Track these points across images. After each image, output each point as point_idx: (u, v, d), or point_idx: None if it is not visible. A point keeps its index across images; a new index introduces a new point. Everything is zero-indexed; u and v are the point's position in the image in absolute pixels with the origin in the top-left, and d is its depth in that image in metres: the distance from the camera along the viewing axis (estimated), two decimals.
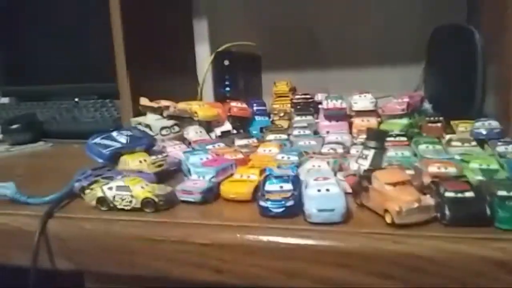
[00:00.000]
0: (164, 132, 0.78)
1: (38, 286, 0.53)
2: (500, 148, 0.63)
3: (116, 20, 0.88)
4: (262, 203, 0.51)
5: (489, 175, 0.54)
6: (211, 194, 0.57)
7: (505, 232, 0.44)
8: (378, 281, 0.44)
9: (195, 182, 0.58)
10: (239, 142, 0.76)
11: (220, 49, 1.01)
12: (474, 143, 0.67)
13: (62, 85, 1.23)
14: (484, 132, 0.69)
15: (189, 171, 0.63)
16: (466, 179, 0.53)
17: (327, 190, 0.51)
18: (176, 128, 0.79)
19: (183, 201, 0.56)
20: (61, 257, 0.54)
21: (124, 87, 0.90)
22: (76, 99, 1.16)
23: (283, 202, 0.50)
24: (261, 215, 0.51)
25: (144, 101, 0.83)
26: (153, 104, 0.81)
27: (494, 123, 0.71)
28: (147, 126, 0.78)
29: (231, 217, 0.53)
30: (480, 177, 0.54)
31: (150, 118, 0.80)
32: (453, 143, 0.67)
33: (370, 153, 0.55)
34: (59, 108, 1.14)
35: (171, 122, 0.79)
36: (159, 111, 0.81)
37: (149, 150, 0.69)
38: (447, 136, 0.70)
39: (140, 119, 0.81)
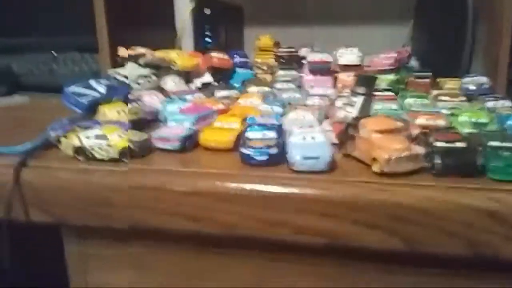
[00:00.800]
0: (140, 80, 0.73)
1: (12, 238, 0.49)
2: (490, 104, 0.62)
3: None
4: (244, 150, 0.48)
5: (479, 128, 0.53)
6: (190, 142, 0.53)
7: (497, 182, 0.42)
8: (364, 230, 0.42)
9: (173, 129, 0.54)
10: (219, 93, 0.73)
11: None
12: (463, 98, 0.65)
13: (39, 38, 1.17)
14: (473, 88, 0.68)
15: (166, 120, 0.60)
16: (456, 130, 0.51)
17: (312, 138, 0.48)
18: (153, 77, 0.75)
19: (161, 149, 0.53)
20: (36, 209, 0.51)
21: (103, 39, 0.85)
22: (54, 52, 1.10)
23: (266, 150, 0.48)
24: (242, 163, 0.49)
25: (122, 51, 0.78)
26: (130, 52, 0.77)
27: (483, 79, 0.69)
28: (125, 76, 0.74)
29: (211, 165, 0.50)
30: (470, 130, 0.52)
31: (127, 68, 0.76)
32: (441, 98, 0.65)
33: (359, 100, 0.52)
34: (36, 61, 1.09)
35: (147, 71, 0.75)
36: (135, 59, 0.76)
37: (127, 100, 0.65)
38: (435, 91, 0.68)
39: (118, 70, 0.76)
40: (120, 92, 0.66)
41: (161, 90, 0.76)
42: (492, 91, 0.67)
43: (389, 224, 0.42)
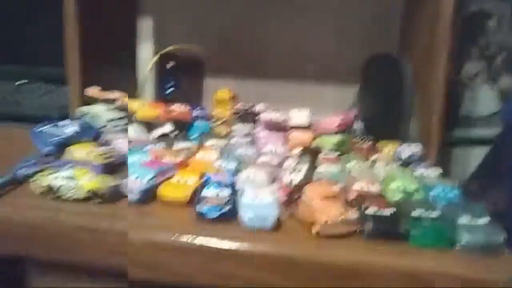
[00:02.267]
0: (111, 124, 0.78)
1: None
2: (419, 171, 0.70)
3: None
4: (199, 209, 0.54)
5: (408, 196, 0.60)
6: (148, 195, 0.58)
7: (417, 248, 0.50)
8: (302, 284, 0.48)
9: (134, 182, 0.58)
10: (178, 145, 0.77)
11: (165, 51, 1.01)
12: (397, 164, 0.73)
13: (5, 66, 1.17)
14: (406, 155, 0.75)
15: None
16: (387, 198, 0.58)
17: (262, 198, 0.54)
18: (123, 121, 0.79)
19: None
20: (2, 243, 0.54)
21: (74, 74, 0.87)
22: (19, 82, 1.11)
23: (219, 207, 0.53)
24: (197, 218, 0.54)
25: (92, 91, 0.82)
26: (103, 94, 0.81)
27: (416, 147, 0.77)
28: (94, 115, 0.78)
29: (168, 218, 0.55)
30: (399, 197, 0.60)
31: (99, 109, 0.80)
32: (378, 164, 0.72)
33: (304, 167, 0.59)
34: (1, 90, 1.10)
35: (118, 115, 0.79)
36: (107, 102, 0.80)
37: (95, 142, 0.69)
38: (373, 156, 0.76)
39: (88, 108, 0.80)
40: (88, 134, 0.70)
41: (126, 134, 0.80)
42: (423, 158, 0.76)
43: (323, 280, 0.48)
